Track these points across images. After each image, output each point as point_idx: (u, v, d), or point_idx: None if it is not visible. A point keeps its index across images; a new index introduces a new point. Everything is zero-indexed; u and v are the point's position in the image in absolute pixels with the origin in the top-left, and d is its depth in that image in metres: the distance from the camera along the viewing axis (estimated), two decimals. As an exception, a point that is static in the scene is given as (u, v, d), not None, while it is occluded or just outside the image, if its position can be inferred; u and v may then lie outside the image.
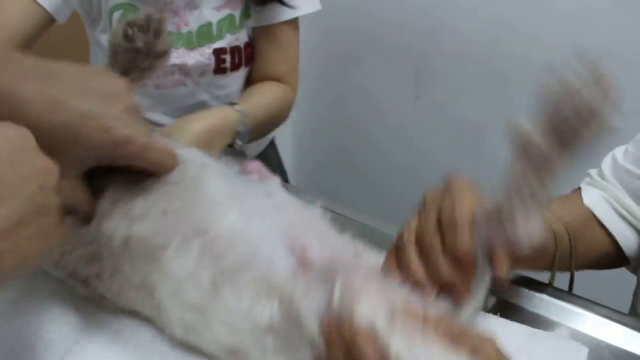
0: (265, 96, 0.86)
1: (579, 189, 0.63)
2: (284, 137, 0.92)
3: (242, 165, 0.50)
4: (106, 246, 0.43)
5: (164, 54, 0.50)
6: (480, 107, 1.38)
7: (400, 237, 0.42)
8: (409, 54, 1.43)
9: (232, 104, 0.75)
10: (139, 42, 0.48)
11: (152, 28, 0.48)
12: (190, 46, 0.84)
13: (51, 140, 0.37)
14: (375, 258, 0.48)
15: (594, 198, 0.61)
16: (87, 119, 0.38)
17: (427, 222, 0.39)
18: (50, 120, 0.37)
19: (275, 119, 0.86)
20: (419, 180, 1.52)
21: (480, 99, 1.38)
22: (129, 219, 0.43)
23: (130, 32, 0.48)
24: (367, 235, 0.61)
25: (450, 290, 0.38)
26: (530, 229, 0.36)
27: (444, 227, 0.39)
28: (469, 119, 1.41)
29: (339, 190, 1.70)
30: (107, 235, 0.43)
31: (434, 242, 0.38)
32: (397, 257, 0.41)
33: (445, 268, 0.38)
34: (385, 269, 0.42)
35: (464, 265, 0.38)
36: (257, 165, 0.51)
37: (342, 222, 0.64)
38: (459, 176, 0.40)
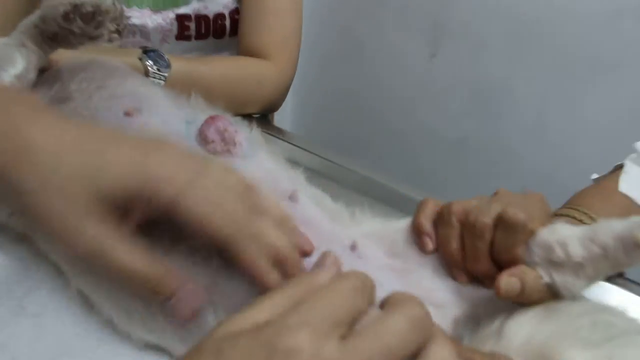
0: (216, 60, 0.78)
1: (619, 167, 0.61)
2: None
3: (201, 133, 0.46)
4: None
5: (98, 37, 0.47)
6: (502, 68, 1.33)
7: (448, 207, 0.44)
8: (424, 7, 1.38)
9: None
10: (76, 28, 0.46)
11: (96, 20, 0.46)
12: (156, 8, 0.80)
13: None
14: (372, 223, 0.48)
15: (633, 182, 0.58)
16: None
17: (487, 212, 0.41)
18: None
19: (233, 87, 0.75)
20: (432, 143, 1.49)
21: (502, 60, 1.33)
22: None
23: (71, 16, 0.45)
24: (370, 189, 0.63)
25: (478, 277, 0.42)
26: (572, 286, 0.38)
27: (502, 226, 0.41)
28: (490, 80, 1.36)
29: (344, 144, 1.67)
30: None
31: (487, 235, 0.41)
32: (437, 224, 0.44)
33: (487, 262, 0.41)
34: (418, 230, 0.45)
35: (503, 266, 0.40)
36: (218, 128, 0.46)
37: (344, 174, 0.65)
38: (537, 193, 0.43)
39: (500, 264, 0.41)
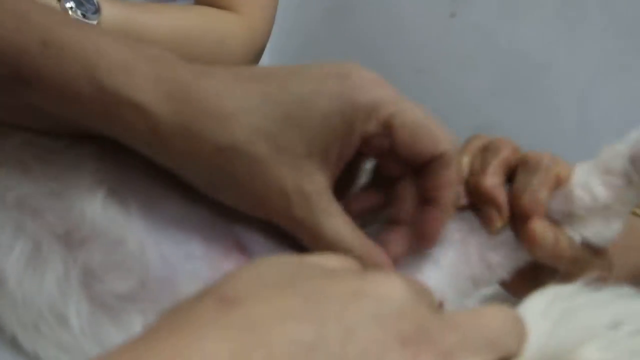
0: (165, 8, 0.64)
1: None
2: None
3: None
4: None
5: None
6: (541, 38, 1.22)
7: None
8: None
9: None
10: None
11: None
12: None
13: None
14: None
15: None
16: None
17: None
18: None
19: (188, 47, 0.62)
20: (448, 130, 1.38)
21: (542, 27, 1.21)
22: None
23: None
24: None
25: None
26: (605, 232, 0.37)
27: (523, 165, 0.40)
28: (524, 52, 1.24)
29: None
30: None
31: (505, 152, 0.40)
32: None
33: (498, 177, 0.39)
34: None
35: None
36: None
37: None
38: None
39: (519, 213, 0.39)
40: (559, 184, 0.38)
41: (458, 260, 0.39)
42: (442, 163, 0.34)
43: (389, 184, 0.36)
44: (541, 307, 0.26)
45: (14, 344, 0.34)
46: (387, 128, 0.33)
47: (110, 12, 0.56)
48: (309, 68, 0.33)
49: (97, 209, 0.33)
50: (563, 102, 1.24)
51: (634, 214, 0.52)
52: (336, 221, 0.33)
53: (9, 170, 0.34)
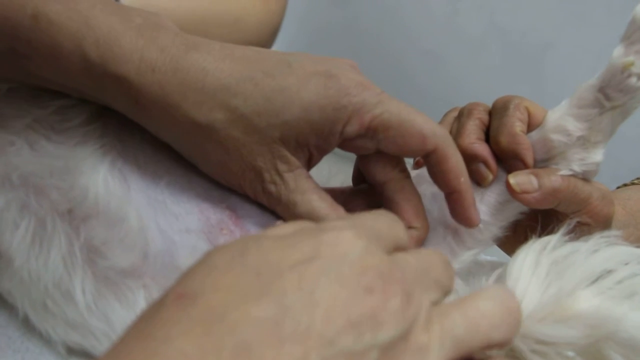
0: None
1: None
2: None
3: None
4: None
5: None
6: (541, 18, 1.21)
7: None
8: None
9: None
10: None
11: None
12: None
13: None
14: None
15: None
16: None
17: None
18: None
19: (205, 29, 0.62)
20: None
21: (542, 7, 1.20)
22: None
23: None
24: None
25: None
26: (587, 160, 0.38)
27: (494, 110, 0.41)
28: (525, 32, 1.23)
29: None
30: None
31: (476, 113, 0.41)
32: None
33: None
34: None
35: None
36: None
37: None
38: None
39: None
40: (533, 118, 0.38)
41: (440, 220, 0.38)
42: (439, 158, 0.33)
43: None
44: (530, 261, 0.27)
45: (27, 325, 0.34)
46: (372, 131, 0.33)
47: None
48: (301, 61, 0.33)
49: (99, 186, 0.33)
50: (567, 82, 1.23)
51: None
52: (310, 197, 0.33)
53: (18, 149, 0.34)
